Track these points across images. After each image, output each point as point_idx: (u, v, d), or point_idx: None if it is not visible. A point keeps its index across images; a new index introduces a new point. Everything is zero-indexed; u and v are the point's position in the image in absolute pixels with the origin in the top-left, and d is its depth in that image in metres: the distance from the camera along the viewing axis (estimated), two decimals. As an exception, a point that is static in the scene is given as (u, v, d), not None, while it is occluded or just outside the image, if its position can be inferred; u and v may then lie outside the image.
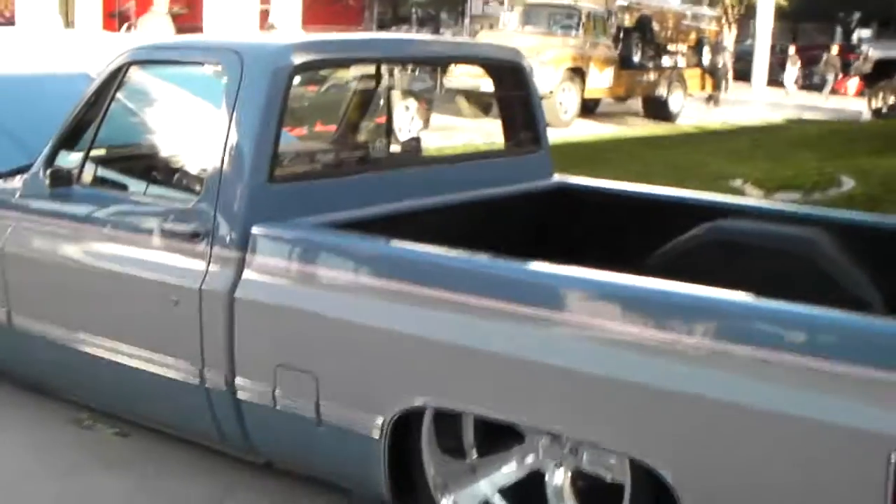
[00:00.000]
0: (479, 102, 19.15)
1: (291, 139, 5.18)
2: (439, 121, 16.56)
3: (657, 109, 20.77)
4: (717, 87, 24.25)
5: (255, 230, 3.60)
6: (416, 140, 5.16)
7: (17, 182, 4.45)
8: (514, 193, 4.69)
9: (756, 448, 2.67)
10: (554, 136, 16.92)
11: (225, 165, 3.68)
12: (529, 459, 3.28)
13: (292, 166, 4.19)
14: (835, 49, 32.19)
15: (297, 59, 3.82)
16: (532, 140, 4.91)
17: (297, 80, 3.83)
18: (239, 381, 3.60)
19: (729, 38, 37.72)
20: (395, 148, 4.99)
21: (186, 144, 4.15)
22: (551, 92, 17.70)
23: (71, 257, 4.15)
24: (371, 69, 4.89)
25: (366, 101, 5.22)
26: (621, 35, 19.90)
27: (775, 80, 37.85)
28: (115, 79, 4.15)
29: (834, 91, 31.18)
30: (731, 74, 33.09)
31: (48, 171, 4.19)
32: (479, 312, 3.09)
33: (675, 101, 21.02)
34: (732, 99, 29.47)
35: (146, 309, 3.87)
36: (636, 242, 3.99)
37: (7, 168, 4.62)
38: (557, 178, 4.96)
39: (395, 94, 13.67)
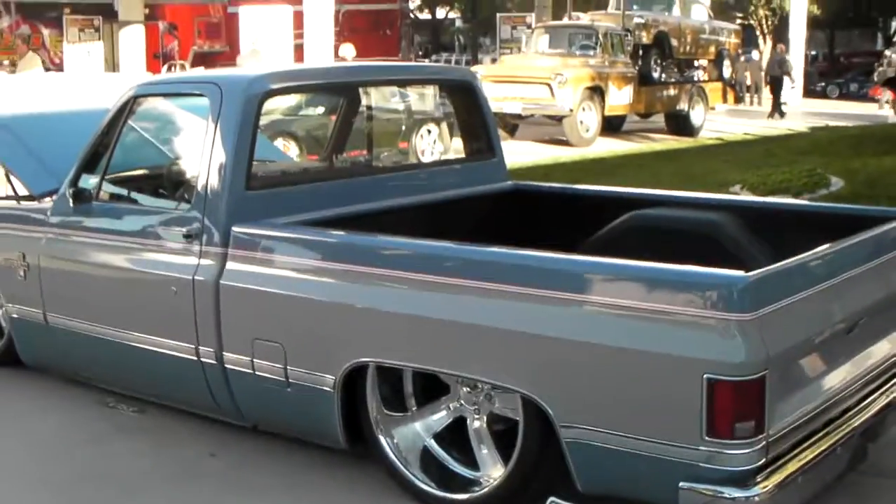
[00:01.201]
0: (504, 124, 19.92)
1: (276, 154, 5.97)
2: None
3: (679, 124, 21.36)
4: (738, 99, 24.91)
5: (234, 229, 4.39)
6: (391, 151, 5.94)
7: (47, 202, 5.30)
8: (471, 195, 5.44)
9: (608, 378, 3.40)
10: (573, 153, 17.63)
11: (210, 177, 4.48)
12: (454, 406, 4.02)
13: (266, 177, 4.97)
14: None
15: (266, 87, 4.64)
16: (487, 149, 5.65)
17: (268, 104, 4.64)
18: (226, 354, 4.38)
19: (765, 49, 38.22)
20: (367, 159, 5.76)
21: (181, 162, 4.94)
22: (571, 111, 18.42)
23: (92, 262, 4.97)
24: (364, 96, 5.68)
25: (348, 121, 5.96)
26: (640, 52, 20.56)
27: (812, 89, 38.15)
28: (124, 110, 4.98)
29: (872, 98, 31.31)
30: (763, 85, 33.61)
31: (71, 192, 5.04)
32: (407, 284, 3.86)
33: (697, 115, 21.59)
34: (764, 110, 29.99)
35: (153, 299, 4.67)
36: (577, 231, 4.73)
37: (41, 191, 5.48)
38: (511, 182, 5.70)
39: (415, 120, 14.55)
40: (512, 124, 20.00)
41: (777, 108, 26.02)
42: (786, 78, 26.53)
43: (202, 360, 4.46)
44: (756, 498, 3.24)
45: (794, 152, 16.08)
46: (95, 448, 4.68)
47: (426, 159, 13.81)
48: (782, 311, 3.35)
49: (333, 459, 4.35)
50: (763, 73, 33.08)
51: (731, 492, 3.23)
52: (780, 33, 39.16)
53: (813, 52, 45.53)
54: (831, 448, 3.59)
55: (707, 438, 3.23)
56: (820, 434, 3.60)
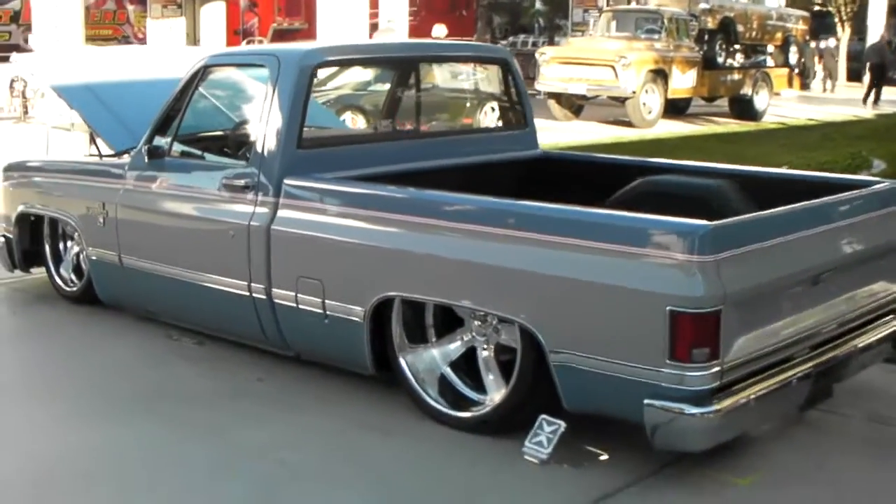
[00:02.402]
0: (570, 105, 20.44)
1: (333, 122, 6.62)
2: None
3: (743, 108, 21.69)
4: (804, 86, 25.16)
5: (285, 182, 5.05)
6: (436, 118, 6.56)
7: (126, 158, 6.02)
8: (504, 159, 6.05)
9: (589, 309, 3.99)
10: (634, 134, 18.10)
11: (267, 137, 5.14)
12: (467, 337, 4.64)
13: (316, 138, 5.63)
14: None
15: (318, 59, 5.30)
16: (520, 119, 6.25)
17: (319, 73, 5.30)
18: (274, 290, 5.05)
19: (842, 36, 38.06)
20: (412, 125, 6.39)
21: (242, 124, 5.61)
22: (634, 93, 18.89)
23: (162, 210, 5.68)
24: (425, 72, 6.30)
25: (399, 93, 6.55)
26: (705, 37, 20.92)
27: (891, 77, 37.92)
28: (195, 79, 5.66)
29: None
30: (842, 73, 33.64)
31: (146, 149, 5.74)
32: (430, 230, 4.49)
33: (761, 100, 21.89)
34: (840, 97, 30.07)
35: (213, 243, 5.36)
36: (596, 193, 5.29)
37: (120, 148, 6.21)
38: (541, 150, 6.29)
39: (480, 98, 15.18)
40: (577, 105, 20.53)
41: (877, 96, 26.13)
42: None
43: (254, 295, 5.14)
44: (710, 415, 3.81)
45: (850, 137, 16.38)
46: (162, 371, 5.40)
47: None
48: (741, 257, 3.90)
49: (362, 385, 5.00)
50: (836, 60, 33.13)
51: (689, 409, 3.80)
52: (859, 20, 38.95)
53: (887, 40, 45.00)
54: (787, 381, 4.13)
55: (668, 362, 3.79)
56: (778, 368, 4.14)
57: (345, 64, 6.64)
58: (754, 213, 4.13)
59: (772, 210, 4.21)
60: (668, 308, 3.77)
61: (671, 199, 4.91)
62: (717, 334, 3.80)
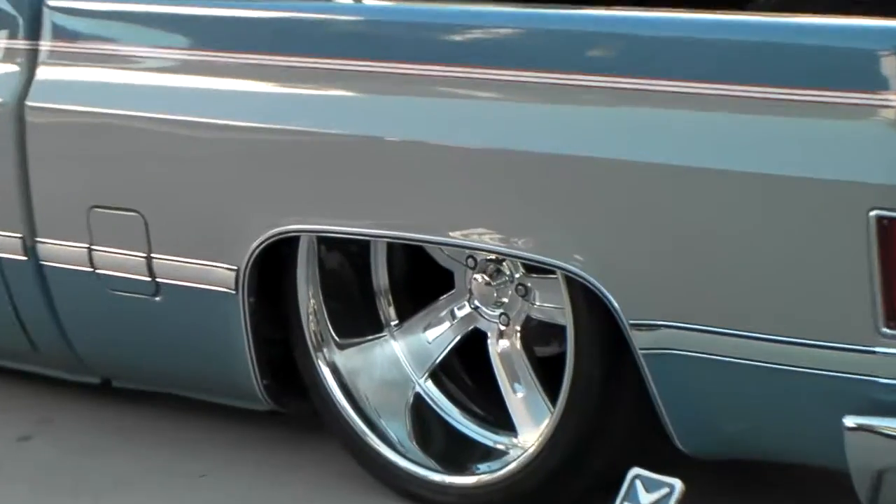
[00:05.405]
0: None
1: None
2: None
3: None
4: None
5: (49, 4, 5.23)
6: None
7: None
8: None
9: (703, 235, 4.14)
10: None
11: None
12: (461, 311, 4.79)
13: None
14: None
15: None
16: None
17: None
18: (42, 240, 5.21)
19: None
20: None
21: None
22: None
23: None
24: None
25: None
26: None
27: None
28: None
29: None
30: None
31: None
32: (366, 83, 4.62)
33: None
34: None
35: None
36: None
37: None
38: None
39: None
40: None
41: None
42: None
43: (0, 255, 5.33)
44: None
45: None
46: None
47: None
48: None
49: (239, 432, 5.27)
50: None
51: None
52: None
53: None
54: None
55: (886, 330, 3.91)
56: None
57: None
58: None
59: None
60: (872, 213, 3.91)
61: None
62: None
